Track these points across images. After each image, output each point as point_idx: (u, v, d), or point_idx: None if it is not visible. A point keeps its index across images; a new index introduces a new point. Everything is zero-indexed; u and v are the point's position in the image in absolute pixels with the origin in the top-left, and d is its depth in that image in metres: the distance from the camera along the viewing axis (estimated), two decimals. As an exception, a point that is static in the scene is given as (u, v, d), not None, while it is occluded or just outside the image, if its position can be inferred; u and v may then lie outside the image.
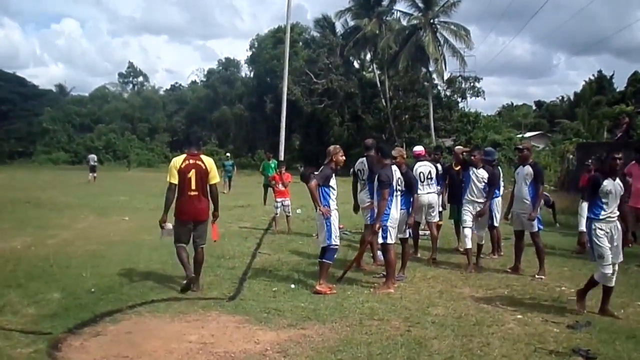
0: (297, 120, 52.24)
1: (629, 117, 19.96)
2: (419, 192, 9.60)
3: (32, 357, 4.76)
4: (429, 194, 9.75)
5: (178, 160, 7.09)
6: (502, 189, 10.32)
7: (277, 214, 12.51)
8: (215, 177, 7.16)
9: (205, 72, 73.75)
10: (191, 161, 7.02)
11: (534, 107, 76.27)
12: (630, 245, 6.71)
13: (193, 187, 6.96)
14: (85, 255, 9.11)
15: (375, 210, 7.25)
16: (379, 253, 8.39)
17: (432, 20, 41.25)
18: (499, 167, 10.19)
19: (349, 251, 9.62)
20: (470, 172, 8.74)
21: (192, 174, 6.96)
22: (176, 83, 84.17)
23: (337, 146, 7.57)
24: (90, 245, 10.08)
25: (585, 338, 5.42)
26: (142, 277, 7.66)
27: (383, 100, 46.81)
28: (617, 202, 6.27)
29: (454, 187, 10.02)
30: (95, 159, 34.40)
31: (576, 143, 24.82)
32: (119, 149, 61.45)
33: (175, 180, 6.97)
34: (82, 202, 18.18)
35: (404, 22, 44.71)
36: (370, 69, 51.97)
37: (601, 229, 6.17)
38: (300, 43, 55.92)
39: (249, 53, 62.77)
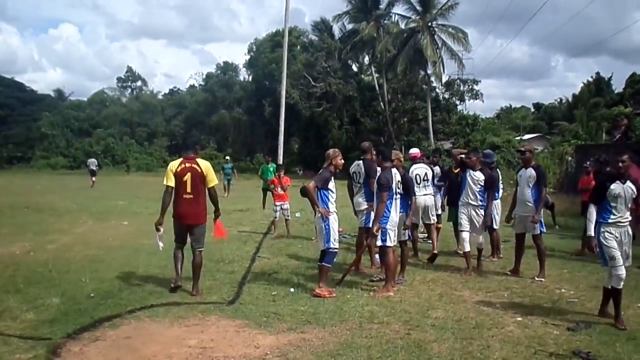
0: (295, 123, 52.28)
1: (627, 118, 20.01)
2: (416, 193, 9.65)
3: (31, 362, 4.75)
4: (425, 195, 9.81)
5: (174, 164, 7.16)
6: (501, 191, 10.30)
7: (276, 217, 12.50)
8: (212, 180, 7.16)
9: (204, 76, 73.95)
10: (187, 165, 7.07)
11: (532, 110, 76.35)
12: None
13: (188, 190, 7.00)
14: (84, 260, 9.09)
15: (373, 213, 7.26)
16: (377, 256, 8.39)
17: (430, 23, 41.28)
18: (498, 170, 10.18)
19: (348, 254, 9.61)
20: (467, 175, 8.73)
21: (187, 177, 7.00)
22: (174, 87, 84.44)
23: (337, 150, 7.59)
24: (89, 250, 10.07)
25: (585, 340, 5.42)
26: (141, 281, 7.65)
27: (382, 104, 46.83)
28: (628, 205, 6.13)
29: (453, 190, 10.01)
30: (96, 163, 34.46)
31: (575, 145, 24.86)
32: (117, 153, 61.40)
33: (171, 183, 7.02)
34: (81, 207, 18.17)
35: (402, 25, 44.79)
36: (368, 72, 51.99)
37: (610, 233, 6.07)
38: (299, 47, 56.03)
39: (248, 57, 62.94)
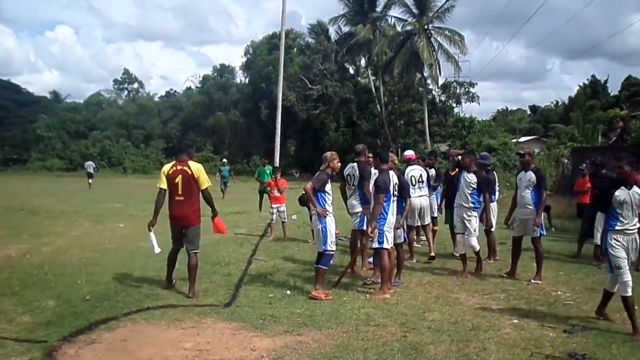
0: (292, 126, 52.26)
1: (623, 121, 20.03)
2: (410, 195, 9.66)
3: (26, 365, 4.74)
4: (421, 197, 9.84)
5: (167, 167, 7.29)
6: (497, 194, 10.31)
7: (272, 220, 12.49)
8: (204, 182, 7.20)
9: (201, 79, 73.96)
10: (179, 167, 7.16)
11: (528, 112, 76.62)
12: None
13: (180, 192, 7.10)
14: (80, 262, 9.07)
15: (370, 214, 7.26)
16: (370, 259, 8.40)
17: (426, 26, 41.29)
18: (494, 172, 10.19)
19: (344, 257, 9.60)
20: (461, 176, 8.73)
21: (178, 179, 7.09)
22: (171, 89, 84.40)
23: (334, 152, 7.60)
24: (85, 252, 10.04)
25: (581, 342, 5.43)
26: (137, 284, 7.63)
27: (378, 106, 46.88)
28: (636, 212, 5.94)
29: (449, 193, 10.01)
30: (93, 165, 34.63)
31: (571, 147, 24.91)
32: (113, 155, 61.31)
33: (164, 186, 7.15)
34: (77, 209, 18.14)
35: (399, 28, 44.83)
36: (365, 75, 52.05)
37: (617, 241, 5.89)
38: (295, 49, 56.05)
39: (244, 59, 62.93)
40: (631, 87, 45.35)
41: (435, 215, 10.69)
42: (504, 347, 5.24)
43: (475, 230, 8.50)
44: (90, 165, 33.89)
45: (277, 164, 27.57)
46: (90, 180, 31.79)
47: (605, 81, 56.22)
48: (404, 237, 8.29)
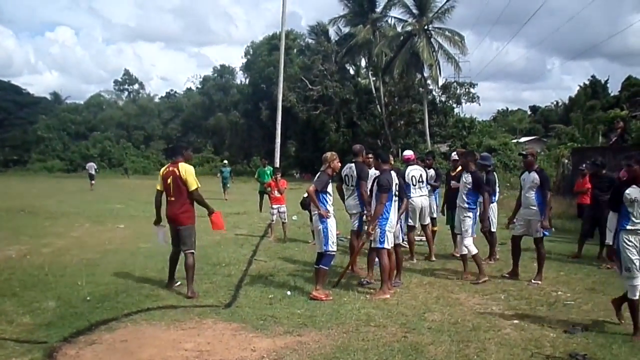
0: (292, 126, 52.27)
1: (623, 121, 20.00)
2: (411, 195, 9.67)
3: (27, 366, 4.74)
4: (421, 197, 9.82)
5: (163, 169, 7.54)
6: (497, 194, 10.30)
7: (273, 220, 12.49)
8: (191, 184, 7.25)
9: (201, 79, 73.98)
10: (170, 169, 7.34)
11: (528, 112, 76.67)
12: None
13: (171, 192, 7.28)
14: (80, 263, 9.08)
15: (371, 214, 7.26)
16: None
17: (426, 27, 41.31)
18: (494, 173, 10.18)
19: (345, 257, 9.59)
20: (462, 176, 8.71)
21: (170, 180, 7.26)
22: (171, 90, 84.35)
23: (334, 153, 7.60)
24: (85, 253, 10.04)
25: (582, 342, 5.43)
26: (138, 285, 7.64)
27: (378, 107, 46.89)
28: None
29: (450, 193, 10.01)
30: (94, 167, 34.72)
31: (571, 148, 24.89)
32: (114, 156, 61.43)
33: (159, 187, 7.40)
34: (77, 210, 18.15)
35: (399, 29, 44.84)
36: (365, 76, 52.05)
37: (630, 241, 5.69)
38: (295, 50, 56.09)
39: (244, 60, 62.96)
40: (631, 88, 45.30)
41: (435, 215, 10.68)
42: (505, 348, 5.24)
43: (467, 231, 8.35)
44: (91, 166, 34.00)
45: (277, 164, 27.62)
46: (93, 182, 31.90)
47: (606, 81, 56.29)
48: (402, 237, 8.28)
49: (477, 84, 47.03)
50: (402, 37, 42.73)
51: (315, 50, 51.61)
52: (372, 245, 7.38)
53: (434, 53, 40.97)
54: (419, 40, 40.52)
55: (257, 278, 8.21)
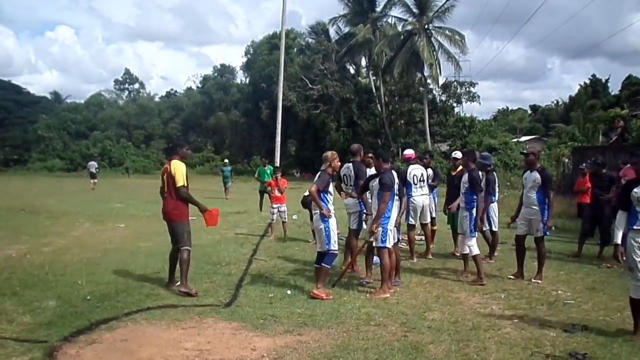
0: (293, 126, 52.30)
1: (623, 120, 19.99)
2: (413, 194, 9.68)
3: (27, 365, 4.74)
4: (422, 196, 9.85)
5: (164, 167, 7.68)
6: (497, 194, 10.29)
7: (273, 220, 12.48)
8: (178, 181, 7.29)
9: (201, 78, 74.00)
10: (165, 166, 7.52)
11: (529, 112, 76.69)
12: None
13: (165, 189, 7.42)
14: (80, 262, 9.08)
15: (374, 213, 7.26)
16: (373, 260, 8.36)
17: (426, 26, 41.29)
18: (494, 172, 10.16)
19: (344, 256, 9.59)
20: (463, 176, 8.69)
21: (165, 177, 7.42)
22: (171, 90, 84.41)
23: (334, 152, 7.59)
24: (85, 252, 10.05)
25: (582, 342, 5.42)
26: (138, 284, 7.64)
27: (379, 106, 46.86)
28: None
29: (451, 193, 9.99)
30: (95, 166, 34.84)
31: (571, 147, 24.87)
32: (114, 156, 61.43)
33: (162, 184, 7.54)
34: (77, 210, 18.15)
35: (399, 28, 44.83)
36: (365, 75, 52.04)
37: (636, 241, 5.56)
38: (295, 49, 56.10)
39: (244, 59, 63.01)
40: (632, 87, 45.26)
41: (434, 215, 10.67)
42: (504, 347, 5.24)
43: (468, 231, 8.28)
44: (93, 165, 34.13)
45: (277, 164, 27.66)
46: (94, 181, 32.09)
47: (606, 80, 56.33)
48: (398, 237, 8.26)
49: (477, 83, 47.07)
50: (402, 37, 42.71)
51: (315, 50, 51.60)
52: (374, 245, 7.37)
53: (434, 52, 40.96)
54: (419, 40, 40.52)
55: (257, 277, 8.21)
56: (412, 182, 9.71)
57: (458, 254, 9.94)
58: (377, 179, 7.35)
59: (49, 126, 63.30)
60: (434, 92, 48.09)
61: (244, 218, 16.55)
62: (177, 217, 7.37)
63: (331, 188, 7.39)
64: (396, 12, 44.19)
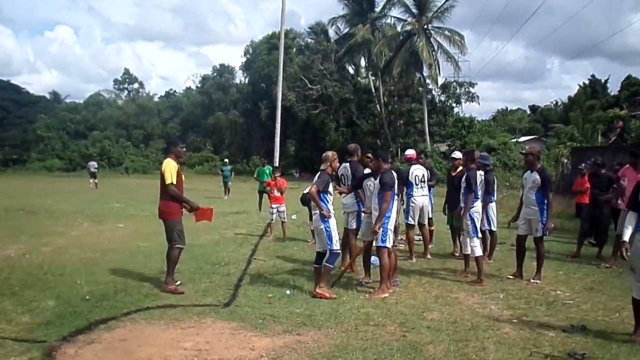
0: (292, 126, 52.34)
1: (622, 121, 20.04)
2: (414, 194, 9.69)
3: (26, 365, 4.74)
4: (423, 196, 9.86)
5: None
6: (495, 193, 10.28)
7: (272, 220, 12.48)
8: (167, 178, 7.35)
9: (200, 78, 73.99)
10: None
11: (528, 112, 76.67)
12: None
13: (160, 187, 7.51)
14: (79, 262, 9.07)
15: (374, 213, 7.26)
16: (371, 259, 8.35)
17: (425, 26, 41.34)
18: (493, 172, 10.16)
19: (341, 257, 9.59)
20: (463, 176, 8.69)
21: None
22: (171, 89, 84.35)
23: (334, 152, 7.58)
24: (84, 252, 10.04)
25: (580, 342, 5.42)
26: (137, 284, 7.63)
27: (378, 106, 46.89)
28: None
29: (450, 193, 9.99)
30: (96, 165, 35.16)
31: (570, 147, 24.92)
32: (113, 155, 61.38)
33: None
34: (76, 209, 18.14)
35: (398, 28, 44.89)
36: (364, 75, 52.07)
37: None
38: (295, 49, 56.13)
39: (244, 59, 63.01)
40: (631, 87, 45.39)
41: (430, 215, 10.65)
42: (503, 347, 5.24)
43: (469, 232, 8.24)
44: (92, 165, 34.35)
45: (276, 164, 27.68)
46: (95, 180, 32.38)
47: (605, 81, 56.40)
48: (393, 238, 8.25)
49: (476, 84, 47.11)
50: (401, 37, 42.79)
51: (314, 50, 51.65)
52: (374, 244, 7.36)
53: (433, 52, 41.01)
54: (419, 40, 40.56)
55: (256, 277, 8.21)
56: (413, 182, 9.73)
57: (457, 254, 9.97)
58: (377, 179, 7.36)
59: (48, 126, 63.23)
60: (433, 92, 48.21)
61: (243, 218, 16.55)
62: (168, 215, 7.44)
63: (331, 188, 7.39)
64: (395, 12, 44.33)
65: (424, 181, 9.90)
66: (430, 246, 10.39)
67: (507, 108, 79.89)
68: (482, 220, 8.76)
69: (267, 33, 62.14)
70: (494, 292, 7.50)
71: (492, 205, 9.58)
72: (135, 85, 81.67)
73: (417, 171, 9.86)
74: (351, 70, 54.57)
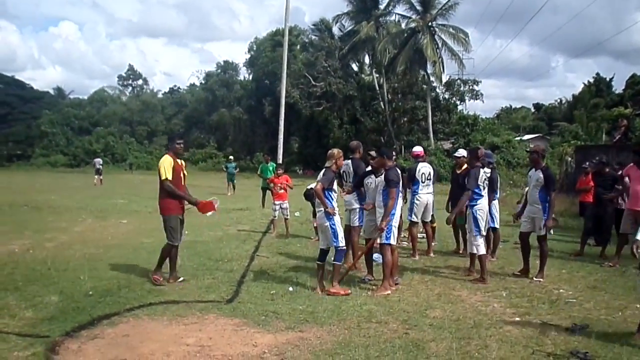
0: (295, 123, 52.32)
1: (627, 119, 20.03)
2: (419, 191, 9.68)
3: (29, 360, 4.75)
4: (428, 194, 9.86)
5: None
6: (499, 191, 10.27)
7: (275, 216, 12.48)
8: (161, 175, 7.44)
9: (204, 75, 74.00)
10: None
11: (532, 110, 76.42)
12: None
13: (158, 183, 7.60)
14: (83, 258, 9.08)
15: (381, 211, 7.24)
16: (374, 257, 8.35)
17: (430, 23, 41.24)
18: (496, 170, 10.13)
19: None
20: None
21: None
22: (174, 86, 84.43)
23: (340, 150, 7.56)
24: (88, 248, 10.06)
25: (583, 340, 5.41)
26: (140, 280, 7.64)
27: (382, 103, 46.78)
28: None
29: (454, 191, 9.97)
30: (101, 162, 35.31)
31: (575, 145, 24.85)
32: (117, 152, 61.50)
33: None
34: (80, 205, 18.17)
35: (402, 25, 44.78)
36: (368, 72, 52.00)
37: None
38: (299, 46, 56.02)
39: (248, 56, 62.93)
40: (636, 86, 45.20)
41: (432, 212, 10.62)
42: (506, 345, 5.23)
43: (472, 230, 8.20)
44: (98, 161, 34.51)
45: (280, 160, 27.69)
46: (100, 177, 32.42)
47: (610, 79, 56.18)
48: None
49: (480, 81, 47.18)
50: (405, 34, 42.69)
51: (318, 47, 51.57)
52: (379, 241, 7.35)
53: (437, 50, 40.90)
54: (423, 37, 40.48)
55: (259, 274, 8.22)
56: (419, 180, 9.72)
57: (461, 252, 9.98)
58: (378, 177, 7.36)
59: (52, 122, 63.35)
60: (437, 89, 48.03)
61: (246, 215, 16.56)
62: (163, 210, 7.55)
63: (335, 186, 7.39)
64: (400, 9, 44.26)
65: (430, 179, 9.90)
66: (433, 244, 10.39)
67: (511, 106, 79.72)
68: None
69: (271, 30, 62.15)
70: (496, 290, 7.49)
71: (495, 203, 9.56)
72: (139, 82, 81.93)
73: (424, 169, 9.85)
74: (355, 68, 54.50)
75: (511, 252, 10.14)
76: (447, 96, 48.79)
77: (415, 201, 9.79)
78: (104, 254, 9.53)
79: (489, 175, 8.70)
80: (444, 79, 45.23)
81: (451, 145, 39.62)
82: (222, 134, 66.72)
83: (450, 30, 41.05)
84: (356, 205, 8.28)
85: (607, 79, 56.11)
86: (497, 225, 9.60)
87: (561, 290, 7.53)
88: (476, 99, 47.29)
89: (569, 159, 22.17)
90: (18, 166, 58.52)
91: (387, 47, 43.25)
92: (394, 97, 48.22)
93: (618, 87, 53.32)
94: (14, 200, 18.98)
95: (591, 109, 43.67)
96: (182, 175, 7.58)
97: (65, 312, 6.08)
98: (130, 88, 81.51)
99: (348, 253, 8.44)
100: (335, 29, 50.48)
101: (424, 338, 5.38)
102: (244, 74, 67.96)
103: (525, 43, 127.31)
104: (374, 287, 7.44)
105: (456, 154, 10.46)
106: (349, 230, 8.39)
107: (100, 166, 34.14)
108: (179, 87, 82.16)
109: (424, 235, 10.60)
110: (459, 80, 46.54)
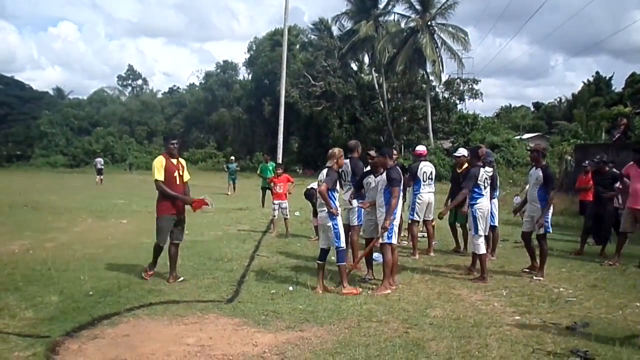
0: (295, 122, 52.31)
1: (626, 118, 20.02)
2: (421, 190, 9.68)
3: (29, 360, 4.75)
4: (430, 193, 9.86)
5: None
6: (498, 190, 10.28)
7: (275, 216, 12.48)
8: (153, 174, 7.48)
9: (204, 74, 74.02)
10: None
11: (532, 109, 76.42)
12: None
13: None
14: (83, 258, 9.08)
15: (382, 210, 7.24)
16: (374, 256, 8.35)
17: (429, 22, 41.24)
18: (495, 169, 10.13)
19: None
20: None
21: None
22: (174, 86, 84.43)
23: (341, 149, 7.57)
24: (88, 248, 10.06)
25: (583, 339, 5.41)
26: (140, 280, 7.64)
27: (381, 103, 46.78)
28: None
29: (454, 190, 9.96)
30: (102, 162, 35.47)
31: (574, 144, 24.87)
32: (117, 152, 61.52)
33: None
34: (80, 205, 18.16)
35: (402, 25, 44.77)
36: (368, 72, 52.00)
37: None
38: (298, 46, 56.02)
39: (247, 56, 62.92)
40: (635, 84, 45.21)
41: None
42: (506, 344, 5.24)
43: (472, 229, 8.22)
44: (99, 161, 34.63)
45: (279, 160, 27.69)
46: (101, 177, 32.59)
47: (610, 78, 56.20)
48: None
49: (480, 80, 47.12)
50: (405, 33, 42.69)
51: (318, 46, 51.57)
52: (380, 240, 7.35)
53: (437, 49, 40.91)
54: (422, 36, 40.47)
55: (259, 273, 8.22)
56: (421, 179, 9.72)
57: (461, 251, 10.00)
58: (377, 176, 7.36)
59: (51, 122, 63.37)
60: (437, 89, 48.03)
61: (246, 214, 16.56)
62: (157, 210, 7.59)
63: (337, 186, 7.40)
64: (399, 8, 44.40)
65: (432, 178, 9.91)
66: (434, 242, 10.40)
67: (510, 105, 79.73)
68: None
69: (270, 29, 62.24)
70: (496, 289, 7.49)
71: (495, 202, 9.57)
72: (139, 82, 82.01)
73: (426, 168, 9.86)
74: (354, 67, 54.51)
75: (511, 251, 10.15)
76: (446, 95, 48.82)
77: (417, 200, 9.78)
78: (104, 254, 9.53)
79: (490, 174, 8.64)
80: (444, 78, 45.28)
81: (451, 145, 39.62)
82: (221, 133, 66.74)
83: (450, 29, 41.06)
84: (355, 204, 8.29)
85: (607, 78, 56.16)
86: (496, 224, 9.60)
87: (561, 289, 7.54)
88: (475, 98, 47.32)
89: (569, 157, 22.20)
90: (18, 166, 58.52)
91: (387, 46, 43.22)
92: (394, 96, 48.22)
93: (617, 85, 53.42)
94: (13, 200, 18.97)
95: (591, 108, 43.65)
96: (176, 175, 7.56)
97: (66, 312, 6.07)
98: (130, 88, 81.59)
99: (348, 252, 8.46)
100: (335, 29, 50.57)
101: (424, 337, 5.38)
102: (243, 74, 68.08)
103: (524, 42, 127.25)
104: (373, 286, 7.44)
105: (456, 154, 10.45)
106: (347, 229, 8.40)
107: (102, 166, 34.26)
108: (178, 87, 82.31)
109: (425, 234, 10.60)
110: (458, 80, 46.58)
